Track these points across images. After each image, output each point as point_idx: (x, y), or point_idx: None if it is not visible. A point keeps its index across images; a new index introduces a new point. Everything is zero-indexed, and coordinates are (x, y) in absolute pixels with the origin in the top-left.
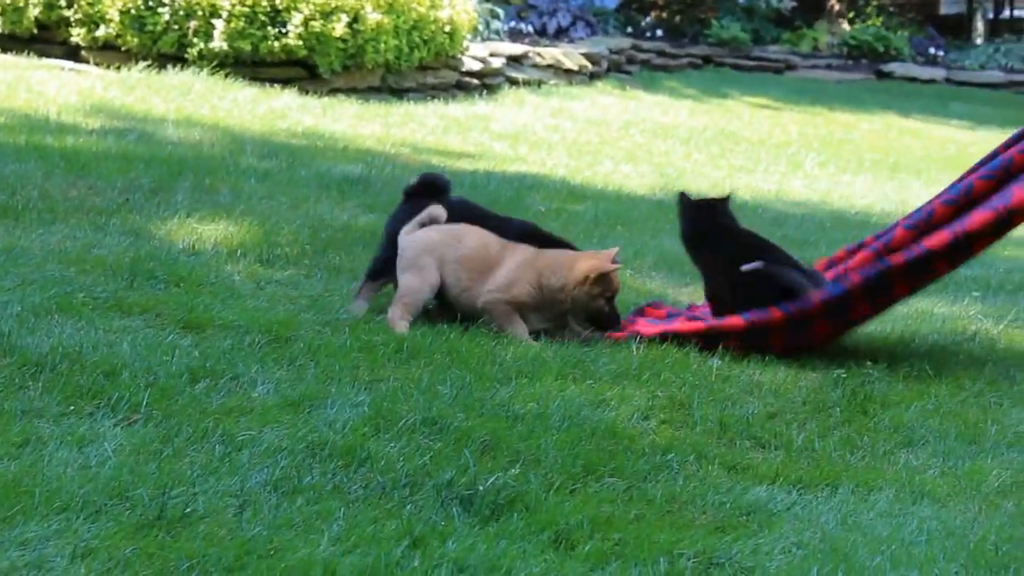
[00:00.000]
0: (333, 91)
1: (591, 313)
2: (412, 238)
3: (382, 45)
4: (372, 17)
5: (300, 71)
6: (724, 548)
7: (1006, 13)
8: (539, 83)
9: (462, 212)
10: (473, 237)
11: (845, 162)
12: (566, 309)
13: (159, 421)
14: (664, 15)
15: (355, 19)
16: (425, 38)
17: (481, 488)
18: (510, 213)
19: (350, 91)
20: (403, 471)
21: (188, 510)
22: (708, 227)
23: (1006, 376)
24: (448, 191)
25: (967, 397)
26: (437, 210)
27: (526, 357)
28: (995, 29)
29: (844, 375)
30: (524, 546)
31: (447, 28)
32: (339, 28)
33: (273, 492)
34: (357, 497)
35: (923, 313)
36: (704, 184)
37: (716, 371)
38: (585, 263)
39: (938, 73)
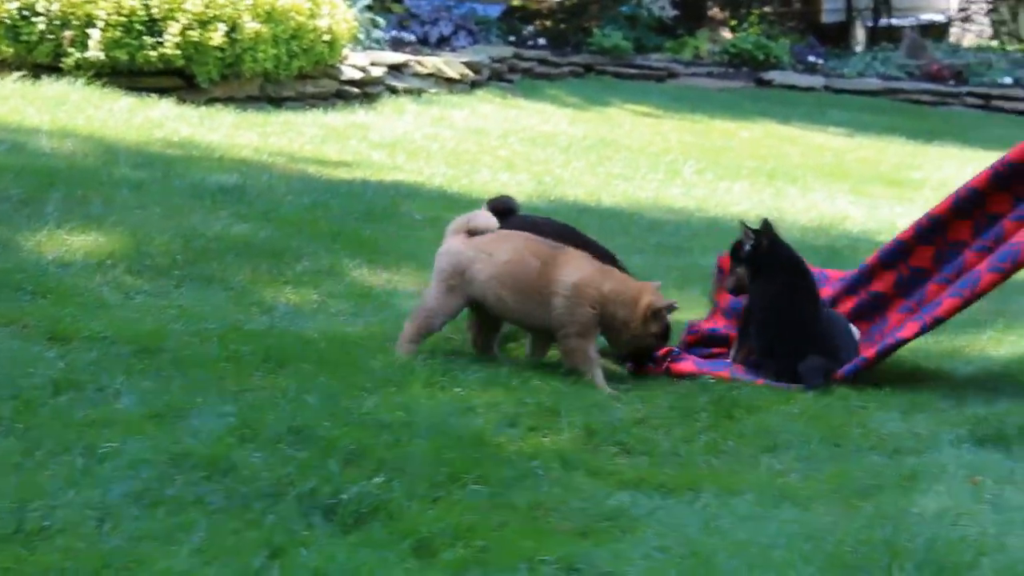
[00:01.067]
0: (211, 100)
1: (642, 349)
2: (447, 252)
3: (260, 54)
4: (250, 26)
5: (178, 80)
6: (585, 554)
7: (884, 22)
8: (420, 92)
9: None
10: (505, 249)
11: (723, 169)
12: (622, 341)
13: (21, 433)
14: (547, 24)
15: (233, 28)
16: (304, 47)
17: (344, 497)
18: (384, 222)
19: (228, 100)
20: (266, 481)
21: (47, 523)
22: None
23: (871, 380)
24: (516, 212)
25: (832, 401)
26: (486, 219)
27: (394, 365)
28: (874, 37)
29: (712, 380)
30: (385, 554)
31: (326, 37)
32: (217, 37)
33: (134, 504)
34: (219, 508)
35: None
36: (581, 192)
37: (586, 379)
38: (645, 298)
39: (817, 81)
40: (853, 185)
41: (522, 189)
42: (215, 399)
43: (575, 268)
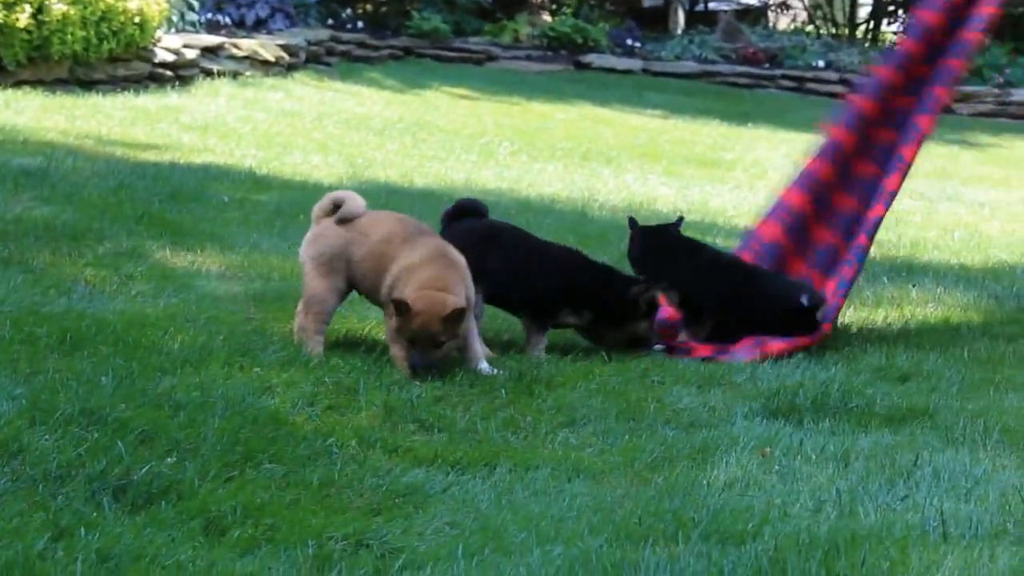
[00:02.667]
0: (19, 83)
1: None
2: (317, 246)
3: (69, 36)
4: (57, 7)
5: None
6: (376, 530)
7: (702, 6)
8: (235, 75)
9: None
10: (379, 229)
11: (538, 151)
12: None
13: None
14: (367, 7)
15: (40, 10)
16: (115, 29)
17: (135, 478)
18: (191, 204)
19: (37, 83)
20: (55, 463)
21: None
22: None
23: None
24: (486, 214)
25: (632, 377)
26: (355, 202)
27: (193, 346)
28: (692, 21)
29: (516, 359)
30: (173, 534)
31: (137, 19)
32: (23, 19)
33: None
34: (5, 490)
35: None
36: (393, 173)
37: (387, 357)
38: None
39: (635, 64)
40: (666, 166)
41: (334, 171)
42: (6, 381)
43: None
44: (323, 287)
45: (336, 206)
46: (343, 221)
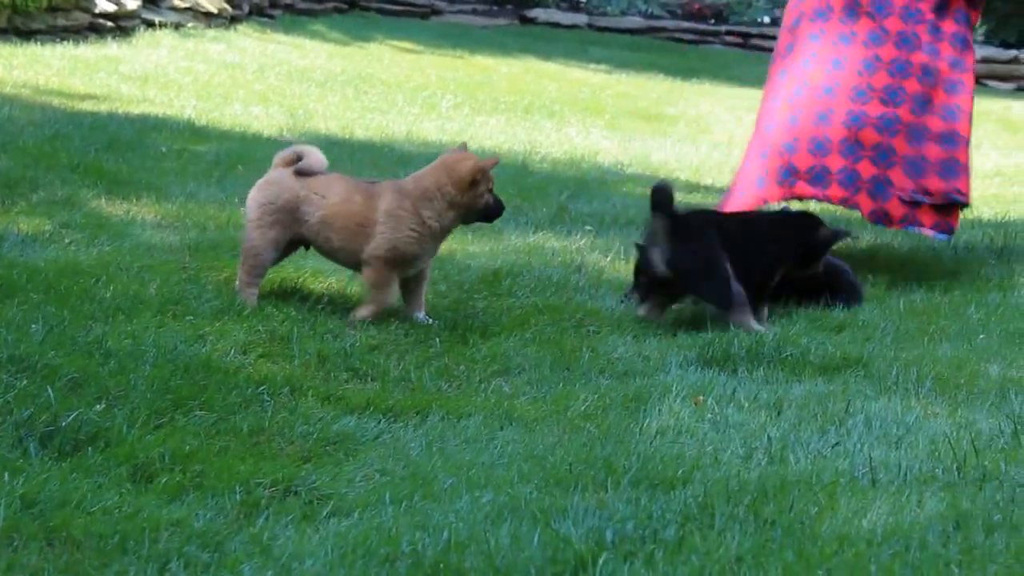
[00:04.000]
0: None
1: (482, 211)
2: (266, 192)
3: None
4: None
5: None
6: (304, 477)
7: None
8: (177, 26)
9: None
10: (337, 189)
11: (481, 104)
12: (455, 224)
13: None
14: None
15: None
16: None
17: (62, 424)
18: (128, 154)
19: None
20: None
21: None
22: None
23: (607, 306)
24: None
25: (567, 327)
26: (318, 158)
27: (126, 294)
28: None
29: (451, 309)
30: (100, 480)
31: None
32: None
33: None
34: None
35: (535, 247)
36: (334, 125)
37: (323, 307)
38: (464, 165)
39: (580, 19)
40: (609, 120)
41: (274, 122)
42: None
43: (389, 198)
44: (262, 239)
45: (299, 158)
46: (301, 174)
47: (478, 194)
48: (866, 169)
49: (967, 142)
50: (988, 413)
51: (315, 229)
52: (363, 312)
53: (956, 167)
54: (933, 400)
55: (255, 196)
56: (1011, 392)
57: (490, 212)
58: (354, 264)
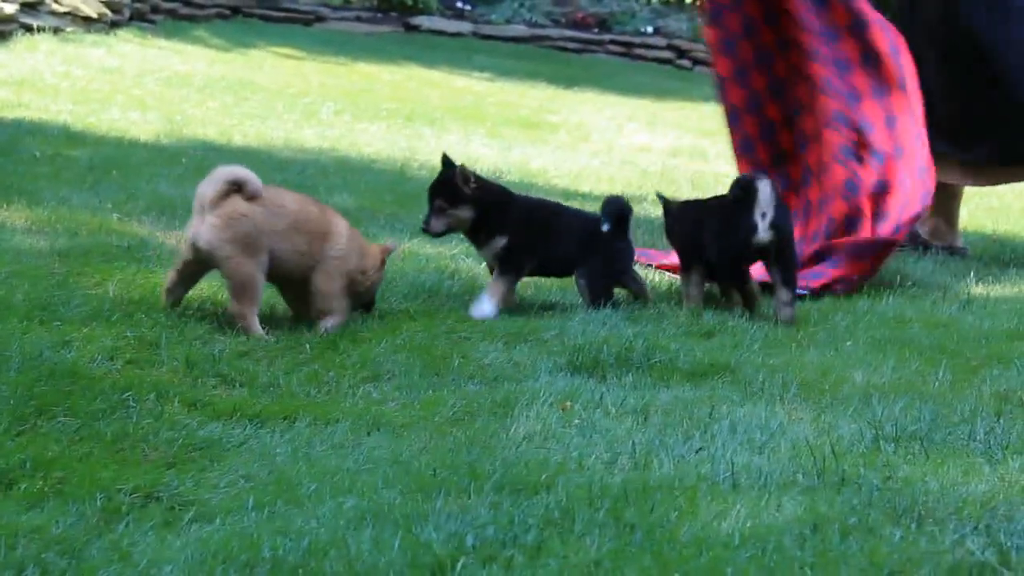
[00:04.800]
0: None
1: (369, 297)
2: (241, 225)
3: None
4: None
5: None
6: (168, 483)
7: None
8: (56, 31)
9: None
10: (289, 199)
11: (362, 111)
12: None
13: None
14: None
15: None
16: None
17: None
18: (2, 158)
19: None
20: None
21: None
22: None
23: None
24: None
25: (439, 333)
26: (254, 179)
27: None
28: None
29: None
30: None
31: None
32: None
33: None
34: None
35: (409, 253)
36: (212, 131)
37: (191, 312)
38: (376, 246)
39: (465, 27)
40: (490, 128)
41: (151, 128)
42: None
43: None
44: (252, 268)
45: (236, 186)
46: (253, 198)
47: None
48: None
49: None
50: (850, 418)
51: (286, 235)
52: (333, 322)
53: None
54: (798, 406)
55: (222, 236)
56: (874, 398)
57: None
58: (306, 271)
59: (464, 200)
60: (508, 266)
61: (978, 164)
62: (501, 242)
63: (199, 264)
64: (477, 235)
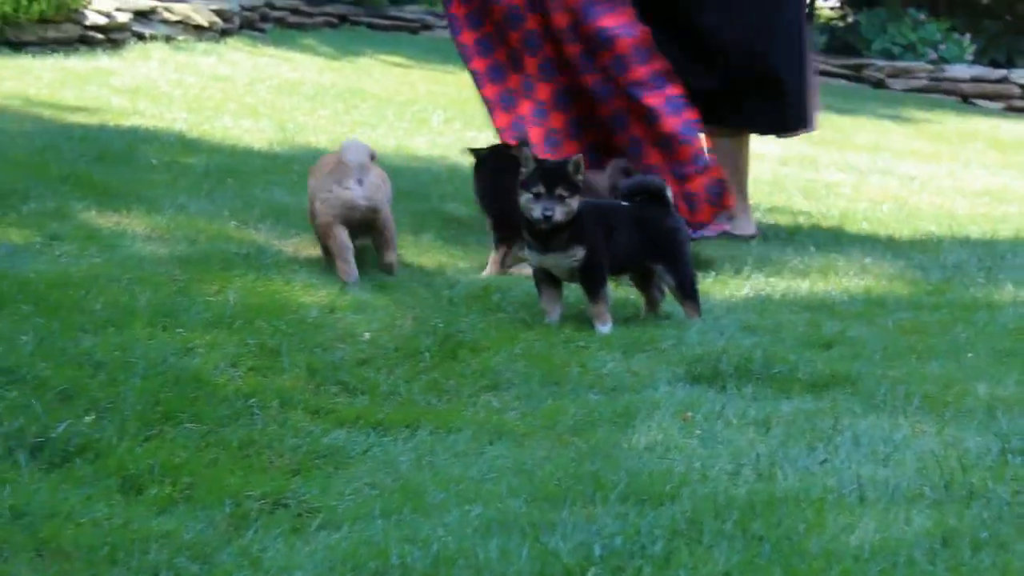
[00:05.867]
0: None
1: None
2: (386, 183)
3: None
4: None
5: None
6: (294, 490)
7: None
8: (168, 39)
9: None
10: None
11: (471, 119)
12: None
13: None
14: None
15: None
16: None
17: (52, 436)
18: (119, 166)
19: None
20: None
21: None
22: None
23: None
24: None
25: (556, 342)
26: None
27: (116, 306)
28: None
29: (441, 324)
30: (89, 491)
31: None
32: None
33: None
34: None
35: (521, 262)
36: (323, 139)
37: (312, 320)
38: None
39: None
40: None
41: (264, 136)
42: None
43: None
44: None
45: (372, 155)
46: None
47: None
48: None
49: None
50: (976, 431)
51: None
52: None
53: None
54: (921, 418)
55: (383, 194)
56: (999, 411)
57: None
58: None
59: (577, 191)
60: (598, 278)
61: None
62: (579, 252)
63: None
64: (549, 239)
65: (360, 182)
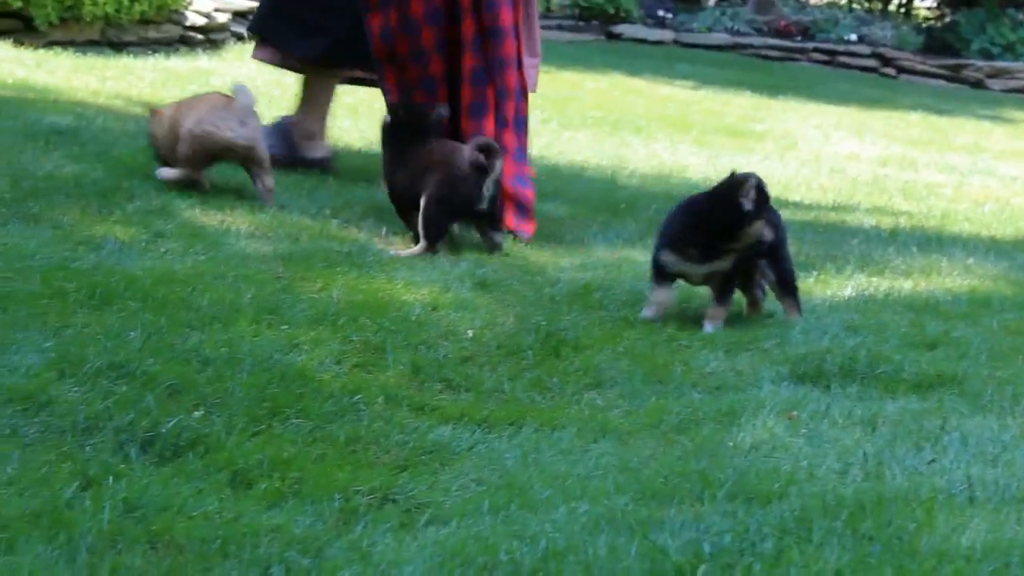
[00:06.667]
0: (50, 44)
1: None
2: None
3: None
4: None
5: (16, 23)
6: (402, 485)
7: None
8: None
9: None
10: None
11: (568, 119)
12: None
13: None
14: None
15: None
16: None
17: (162, 430)
18: (221, 164)
19: (68, 44)
20: (83, 415)
21: None
22: None
23: (698, 320)
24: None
25: (658, 341)
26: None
27: (222, 303)
28: None
29: (543, 321)
30: (200, 485)
31: None
32: None
33: None
34: (33, 441)
35: (625, 260)
36: None
37: (415, 317)
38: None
39: (667, 35)
40: (696, 136)
41: (364, 135)
42: (35, 335)
43: None
44: None
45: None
46: None
47: None
48: None
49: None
50: None
51: None
52: None
53: None
54: None
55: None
56: None
57: None
58: None
59: None
60: (732, 281)
61: (313, 59)
62: (723, 266)
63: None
64: (711, 248)
65: (243, 123)
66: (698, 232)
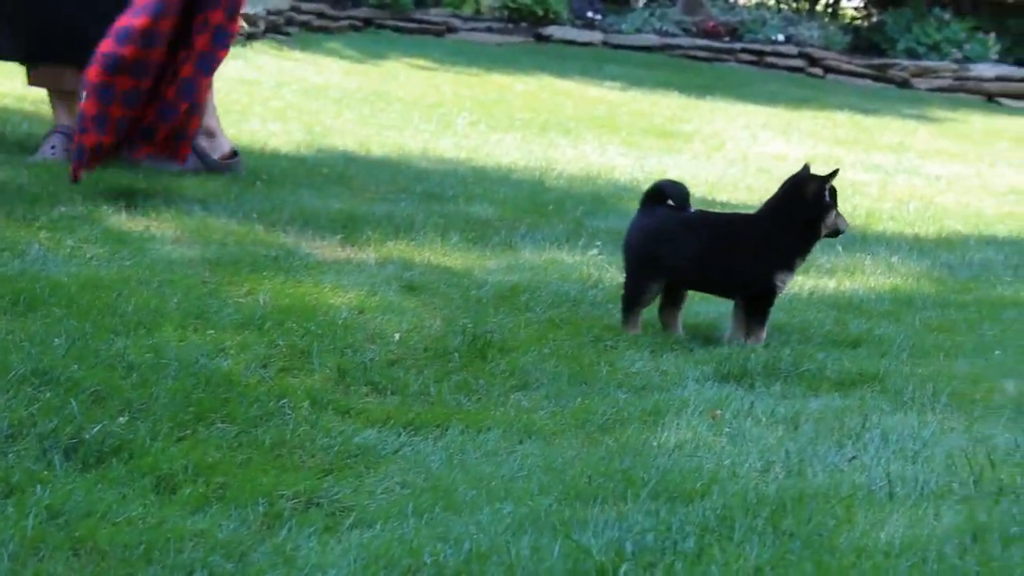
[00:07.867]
0: None
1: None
2: None
3: None
4: None
5: None
6: (327, 489)
7: None
8: None
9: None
10: None
11: (496, 121)
12: None
13: None
14: None
15: None
16: None
17: (86, 437)
18: (146, 170)
19: None
20: (7, 422)
21: None
22: None
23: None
24: (687, 201)
25: (585, 341)
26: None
27: (147, 308)
28: None
29: (470, 324)
30: (124, 491)
31: None
32: None
33: None
34: None
35: (551, 262)
36: (350, 141)
37: (342, 321)
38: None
39: (596, 37)
40: (624, 137)
41: (291, 139)
42: None
43: None
44: None
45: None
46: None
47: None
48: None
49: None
50: (1004, 428)
51: None
52: None
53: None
54: (949, 415)
55: None
56: None
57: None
58: None
59: None
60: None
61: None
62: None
63: None
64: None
65: None
66: (799, 241)
